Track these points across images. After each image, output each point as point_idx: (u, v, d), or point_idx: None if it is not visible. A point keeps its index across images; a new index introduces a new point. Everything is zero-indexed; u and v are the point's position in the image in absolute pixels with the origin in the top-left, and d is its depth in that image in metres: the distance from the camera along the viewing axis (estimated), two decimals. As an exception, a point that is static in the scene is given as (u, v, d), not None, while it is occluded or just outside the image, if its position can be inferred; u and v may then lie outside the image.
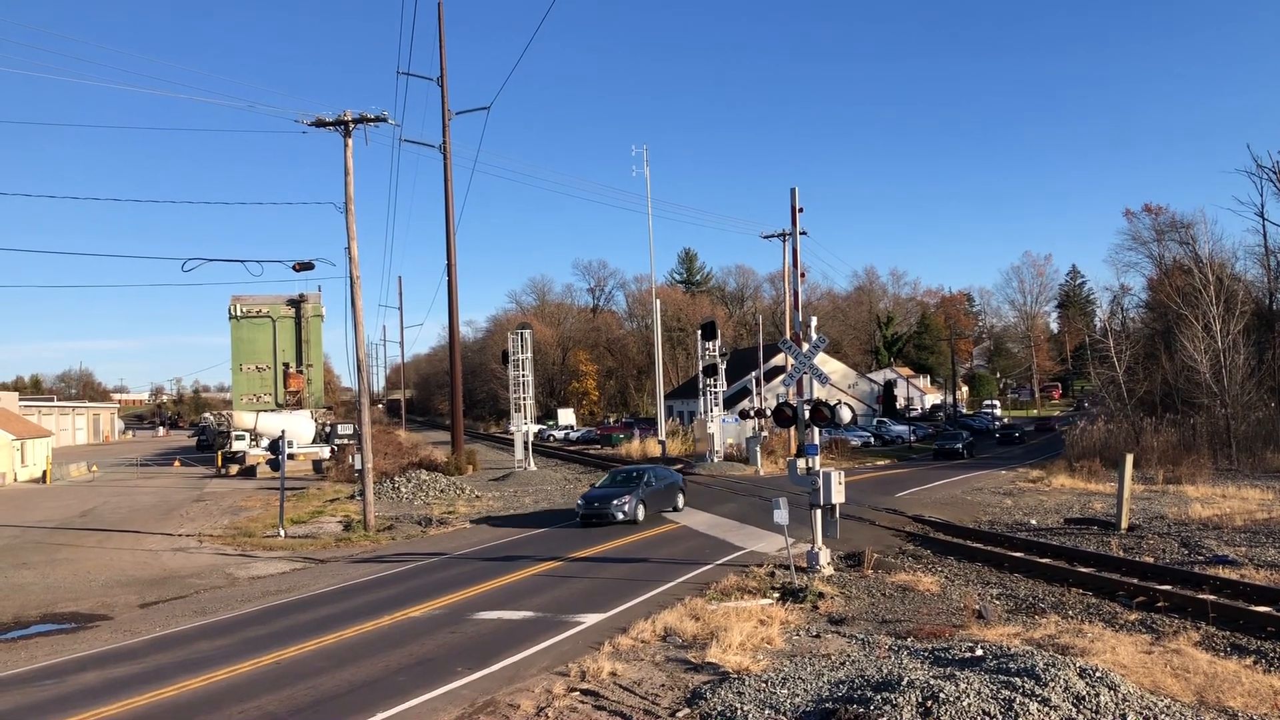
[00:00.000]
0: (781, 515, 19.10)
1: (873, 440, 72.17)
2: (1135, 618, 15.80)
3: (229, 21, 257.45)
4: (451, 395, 58.35)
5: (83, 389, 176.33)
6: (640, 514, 29.71)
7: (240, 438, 64.87)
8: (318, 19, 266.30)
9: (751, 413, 55.52)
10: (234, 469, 60.48)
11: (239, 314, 73.96)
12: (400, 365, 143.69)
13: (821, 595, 17.76)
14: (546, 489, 44.54)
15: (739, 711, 11.06)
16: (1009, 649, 12.77)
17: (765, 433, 53.67)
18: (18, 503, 46.45)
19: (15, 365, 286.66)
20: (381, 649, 15.53)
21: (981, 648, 13.09)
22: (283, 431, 38.22)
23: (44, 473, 60.88)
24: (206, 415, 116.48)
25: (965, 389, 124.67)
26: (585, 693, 12.43)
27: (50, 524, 36.77)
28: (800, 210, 22.24)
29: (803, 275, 23.16)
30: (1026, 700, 9.98)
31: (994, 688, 10.40)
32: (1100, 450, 45.46)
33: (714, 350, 55.36)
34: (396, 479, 44.78)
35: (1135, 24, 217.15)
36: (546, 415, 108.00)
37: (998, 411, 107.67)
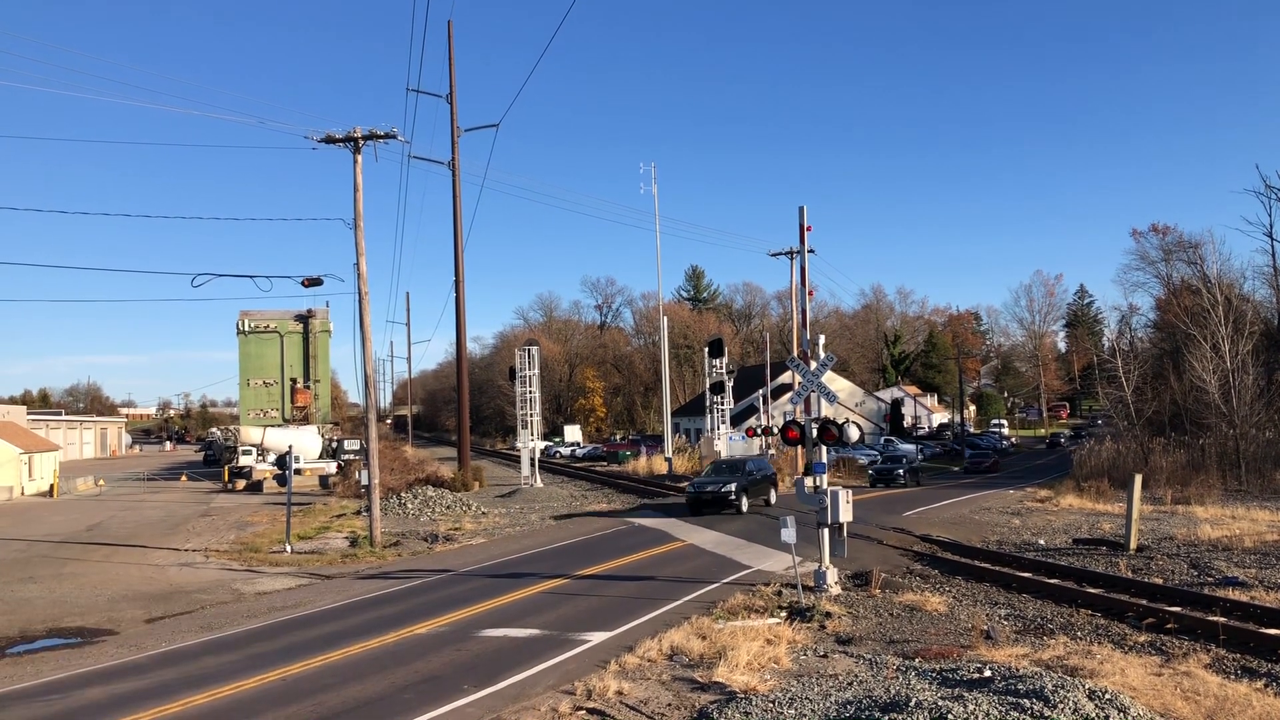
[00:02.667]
0: (789, 534, 19.04)
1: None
2: (1144, 639, 15.69)
3: (239, 38, 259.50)
4: (458, 411, 58.38)
5: (90, 403, 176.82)
6: None
7: (247, 453, 65.02)
8: (328, 36, 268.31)
9: (759, 430, 55.49)
10: (240, 484, 60.58)
11: (247, 329, 74.13)
12: (407, 381, 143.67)
13: (829, 615, 17.69)
14: (553, 506, 44.48)
15: (746, 731, 10.99)
16: (1017, 670, 12.70)
17: (772, 451, 53.59)
18: (25, 516, 46.53)
19: (23, 379, 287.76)
20: (387, 666, 15.50)
21: (990, 669, 13.02)
22: (290, 447, 38.31)
23: (51, 486, 61.01)
24: (214, 430, 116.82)
25: (973, 408, 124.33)
26: (591, 711, 12.39)
27: (57, 538, 36.81)
28: (809, 229, 22.28)
29: (810, 293, 23.20)
30: (1035, 722, 9.92)
31: (1002, 709, 10.35)
32: (1108, 470, 45.30)
33: (721, 368, 55.37)
34: (403, 495, 44.79)
35: (1143, 45, 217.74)
36: (553, 432, 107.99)
37: (1005, 430, 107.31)
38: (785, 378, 78.79)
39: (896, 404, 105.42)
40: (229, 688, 14.55)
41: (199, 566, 29.21)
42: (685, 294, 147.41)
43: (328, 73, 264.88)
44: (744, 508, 33.25)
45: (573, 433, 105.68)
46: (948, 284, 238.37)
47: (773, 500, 35.62)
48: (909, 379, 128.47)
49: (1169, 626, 16.36)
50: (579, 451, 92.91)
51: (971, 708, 10.34)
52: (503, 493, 50.98)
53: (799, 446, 21.33)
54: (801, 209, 22.38)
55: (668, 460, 63.11)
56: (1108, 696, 10.76)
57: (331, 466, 62.14)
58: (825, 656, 14.99)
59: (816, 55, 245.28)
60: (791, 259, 56.72)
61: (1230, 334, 49.63)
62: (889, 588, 20.46)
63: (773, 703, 11.98)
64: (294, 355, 75.15)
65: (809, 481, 20.53)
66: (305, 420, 71.67)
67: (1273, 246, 60.18)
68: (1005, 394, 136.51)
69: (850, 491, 20.70)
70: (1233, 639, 15.16)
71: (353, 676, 14.92)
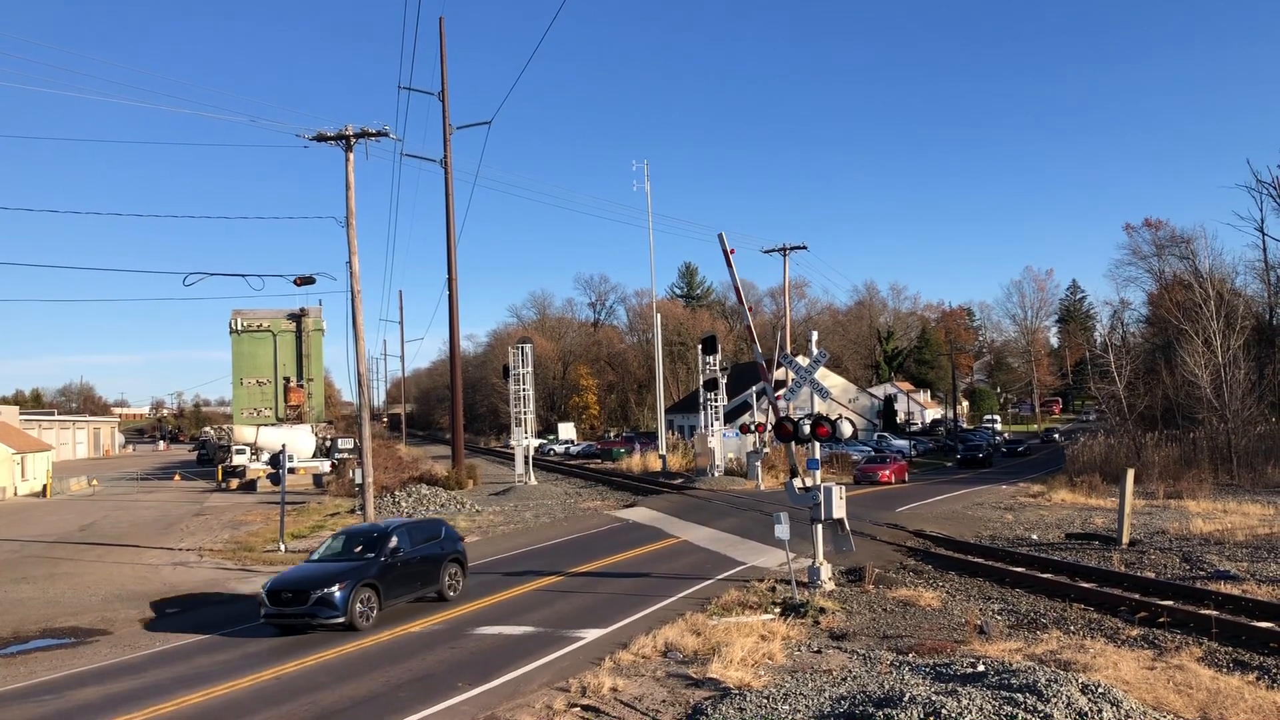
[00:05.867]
0: (783, 530, 19.07)
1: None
2: (1137, 633, 15.76)
3: (230, 36, 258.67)
4: (452, 410, 58.33)
5: (83, 403, 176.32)
6: None
7: (241, 452, 64.90)
8: (319, 33, 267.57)
9: (752, 427, 55.49)
10: (234, 483, 60.44)
11: (240, 328, 74.00)
12: (401, 379, 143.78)
13: (823, 610, 17.72)
14: (547, 503, 44.48)
15: (740, 727, 11.02)
16: (1011, 665, 12.74)
17: (766, 448, 53.59)
18: (18, 517, 46.39)
19: (16, 379, 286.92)
20: (382, 664, 15.50)
21: (983, 663, 13.06)
22: (283, 446, 38.19)
23: (44, 487, 60.82)
24: (207, 429, 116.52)
25: (966, 404, 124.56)
26: (586, 708, 12.40)
27: (50, 538, 36.71)
28: (732, 251, 22.25)
29: (751, 309, 23.26)
30: (1029, 716, 9.95)
31: (996, 704, 10.38)
32: (1101, 465, 45.41)
33: (714, 365, 55.39)
34: (397, 493, 44.72)
35: (1135, 39, 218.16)
36: (547, 429, 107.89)
37: (998, 426, 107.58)
38: (779, 374, 78.81)
39: (890, 400, 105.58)
40: (223, 687, 14.54)
41: (193, 566, 29.14)
42: (679, 291, 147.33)
43: (319, 71, 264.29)
44: (360, 622, 18.07)
45: (567, 430, 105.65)
46: (940, 280, 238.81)
47: (452, 590, 20.95)
48: (902, 375, 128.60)
49: (1162, 620, 16.43)
50: (573, 449, 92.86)
51: (965, 702, 10.37)
52: (497, 490, 50.97)
53: (790, 445, 21.34)
54: (720, 236, 22.20)
55: (662, 457, 63.15)
56: (1101, 690, 10.80)
57: (325, 465, 62.06)
58: (819, 652, 15.02)
59: (809, 50, 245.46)
60: (784, 256, 56.78)
61: (1222, 329, 49.77)
62: (883, 583, 20.50)
63: (767, 698, 12.00)
64: (287, 354, 75.02)
65: (797, 483, 20.59)
66: (299, 419, 71.58)
67: (1264, 241, 60.43)
68: (998, 389, 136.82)
69: (843, 488, 20.74)
70: (1225, 632, 15.22)
71: (347, 675, 14.92)
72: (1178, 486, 38.71)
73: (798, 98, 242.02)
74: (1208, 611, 16.28)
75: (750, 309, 27.50)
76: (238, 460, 64.02)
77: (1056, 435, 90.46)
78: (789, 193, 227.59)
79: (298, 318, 75.10)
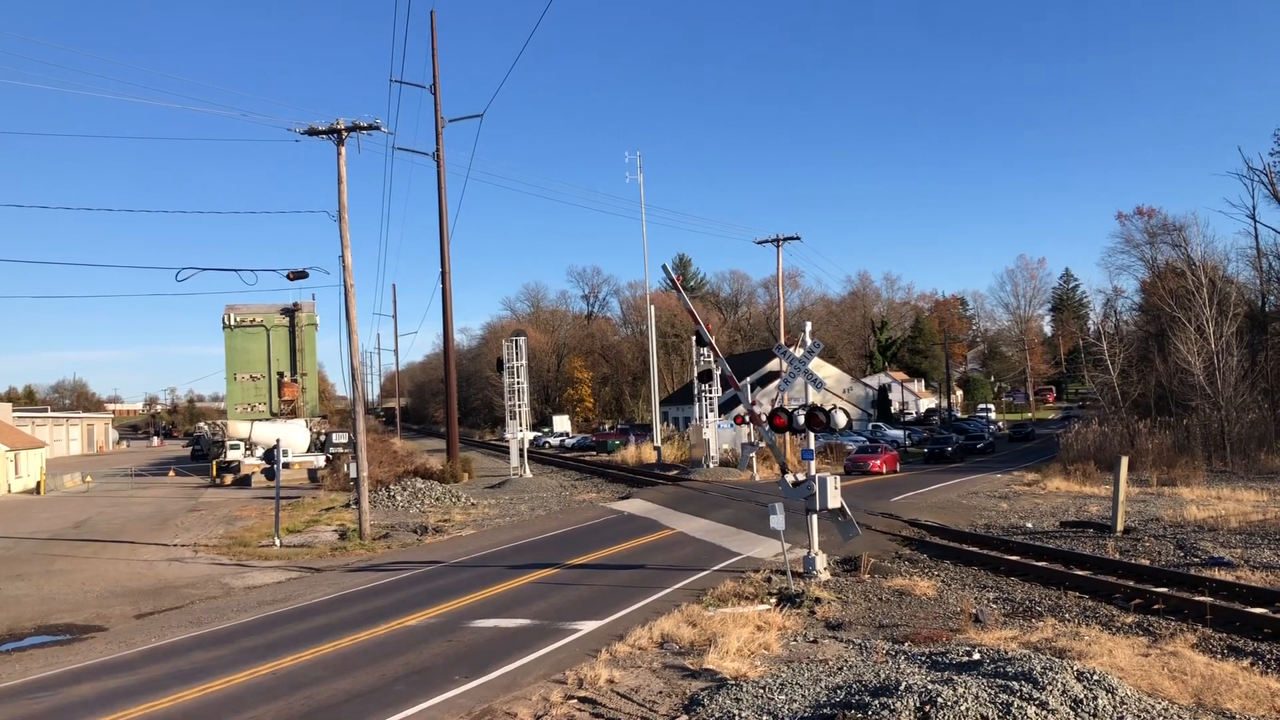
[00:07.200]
0: (778, 521, 19.08)
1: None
2: (1132, 620, 15.80)
3: (220, 30, 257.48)
4: (446, 403, 58.30)
5: (76, 400, 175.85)
6: None
7: (235, 447, 64.75)
8: (310, 26, 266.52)
9: (747, 419, 55.55)
10: (229, 478, 60.32)
11: (233, 323, 73.89)
12: (395, 373, 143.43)
13: (818, 600, 17.75)
14: (543, 496, 44.47)
15: (737, 718, 11.05)
16: (1006, 653, 12.77)
17: (762, 443, 53.64)
18: (12, 514, 46.25)
19: (8, 376, 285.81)
20: (378, 658, 15.49)
21: (979, 652, 13.09)
22: (277, 440, 38.17)
23: (38, 484, 60.61)
24: (201, 425, 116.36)
25: (960, 393, 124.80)
26: (583, 700, 12.41)
27: (44, 535, 36.62)
28: (680, 277, 22.65)
29: (710, 327, 23.24)
30: (1024, 704, 9.98)
31: (992, 691, 10.41)
32: (1095, 453, 45.47)
33: (708, 356, 55.35)
34: (392, 487, 44.67)
35: (1127, 27, 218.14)
36: (542, 422, 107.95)
37: (992, 415, 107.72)
38: (773, 365, 78.92)
39: (884, 390, 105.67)
40: (219, 682, 14.52)
41: (188, 562, 29.10)
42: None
43: (310, 64, 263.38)
44: None
45: (561, 423, 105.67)
46: (934, 270, 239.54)
47: None
48: (896, 365, 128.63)
49: (1156, 607, 16.47)
50: (568, 441, 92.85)
51: (961, 691, 10.40)
52: (492, 484, 50.95)
53: (784, 436, 21.38)
54: (664, 266, 22.86)
55: (656, 449, 63.17)
56: (1096, 677, 10.84)
57: (320, 460, 61.97)
58: (815, 642, 15.04)
59: (801, 41, 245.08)
60: (777, 247, 56.66)
61: (1214, 316, 49.86)
62: (878, 573, 20.53)
63: (763, 689, 12.02)
64: (280, 349, 74.97)
65: (790, 478, 20.60)
66: (293, 414, 71.49)
67: (1255, 228, 60.43)
68: (992, 378, 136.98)
69: (838, 478, 20.75)
70: (1219, 619, 15.28)
71: (344, 669, 14.91)
72: (1171, 474, 38.80)
73: (790, 88, 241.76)
74: (1202, 598, 16.34)
75: (708, 325, 27.69)
76: (232, 456, 63.87)
77: (1034, 428, 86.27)
78: (783, 182, 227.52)
79: (291, 312, 74.99)
